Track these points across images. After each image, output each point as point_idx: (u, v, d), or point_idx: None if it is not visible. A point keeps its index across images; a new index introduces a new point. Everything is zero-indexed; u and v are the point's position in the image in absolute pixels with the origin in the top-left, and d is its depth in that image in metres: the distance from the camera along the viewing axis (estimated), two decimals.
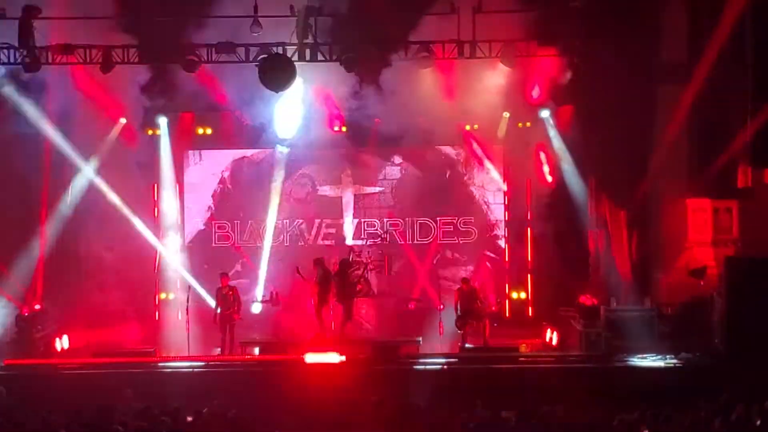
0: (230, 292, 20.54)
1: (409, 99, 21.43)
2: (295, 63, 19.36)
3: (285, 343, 20.28)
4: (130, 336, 21.13)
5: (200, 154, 23.85)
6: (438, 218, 23.52)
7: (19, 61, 19.79)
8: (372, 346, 19.57)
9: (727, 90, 19.64)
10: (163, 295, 22.96)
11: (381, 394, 14.33)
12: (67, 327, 20.69)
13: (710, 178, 20.34)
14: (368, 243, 22.98)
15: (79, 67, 20.38)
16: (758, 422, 12.40)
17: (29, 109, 20.89)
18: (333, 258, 21.84)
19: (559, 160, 22.28)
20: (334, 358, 18.73)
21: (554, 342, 20.31)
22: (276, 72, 19.15)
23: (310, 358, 18.88)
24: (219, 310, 20.35)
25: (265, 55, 19.40)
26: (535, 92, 21.28)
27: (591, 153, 21.38)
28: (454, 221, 23.59)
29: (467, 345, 19.74)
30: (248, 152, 23.77)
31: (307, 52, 19.78)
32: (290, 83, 19.32)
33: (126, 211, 22.33)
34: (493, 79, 21.20)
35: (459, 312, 19.96)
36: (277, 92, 19.64)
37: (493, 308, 20.31)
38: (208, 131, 23.35)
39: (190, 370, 18.74)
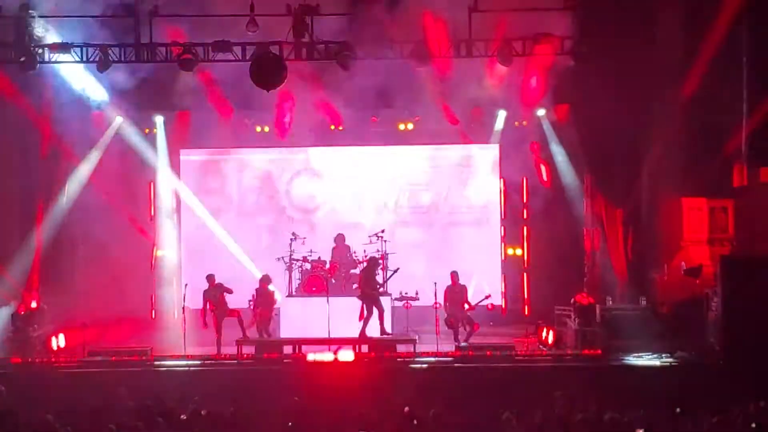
0: (219, 292, 20.41)
1: (405, 97, 21.48)
2: (285, 61, 19.41)
3: (281, 342, 20.24)
4: (126, 335, 21.10)
5: (197, 153, 23.88)
6: (433, 216, 23.56)
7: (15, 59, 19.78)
8: (368, 344, 19.58)
9: (722, 89, 19.64)
10: (158, 293, 23.01)
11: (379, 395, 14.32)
12: (63, 325, 20.65)
13: (706, 177, 20.33)
14: (366, 241, 22.95)
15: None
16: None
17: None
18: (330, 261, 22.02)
19: (555, 158, 22.29)
20: (344, 356, 18.75)
21: (550, 341, 20.30)
22: (266, 71, 19.22)
23: (311, 356, 18.90)
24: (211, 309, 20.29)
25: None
26: (533, 81, 21.24)
27: (587, 151, 21.43)
28: (450, 219, 23.63)
29: (463, 344, 19.73)
30: (245, 151, 23.81)
31: (303, 51, 19.83)
32: (280, 82, 19.38)
33: (122, 209, 22.36)
34: (488, 78, 21.21)
35: (447, 312, 20.00)
36: (267, 90, 19.67)
37: (489, 307, 20.27)
38: (206, 130, 23.36)
39: (186, 368, 18.69)
